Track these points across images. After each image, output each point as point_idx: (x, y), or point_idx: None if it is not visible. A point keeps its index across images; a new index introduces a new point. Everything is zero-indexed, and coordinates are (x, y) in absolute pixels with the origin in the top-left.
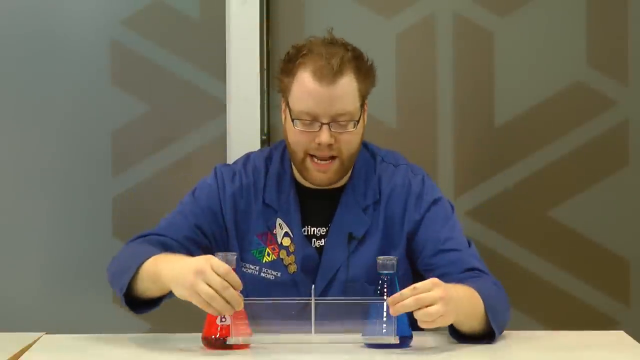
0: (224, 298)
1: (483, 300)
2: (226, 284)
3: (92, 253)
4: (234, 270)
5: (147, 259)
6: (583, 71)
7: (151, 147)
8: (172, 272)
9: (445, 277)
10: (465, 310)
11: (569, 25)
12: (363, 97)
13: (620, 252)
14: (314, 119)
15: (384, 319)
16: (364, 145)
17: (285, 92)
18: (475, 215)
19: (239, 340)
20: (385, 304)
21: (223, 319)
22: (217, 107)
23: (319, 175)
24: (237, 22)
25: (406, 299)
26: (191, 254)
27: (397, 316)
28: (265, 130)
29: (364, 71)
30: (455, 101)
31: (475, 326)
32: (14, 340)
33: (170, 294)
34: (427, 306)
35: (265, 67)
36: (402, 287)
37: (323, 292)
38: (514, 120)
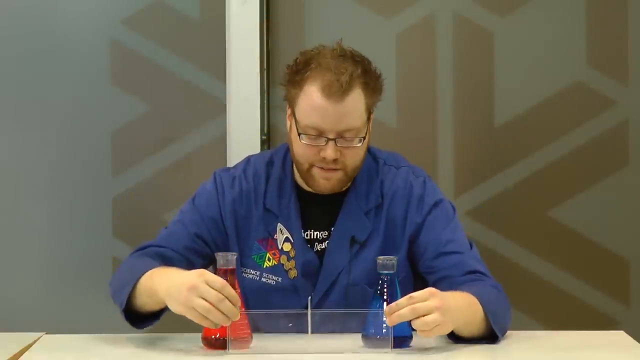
0: (220, 310)
1: (482, 306)
2: (221, 296)
3: (92, 253)
4: (234, 270)
5: (145, 273)
6: (583, 71)
7: (151, 147)
8: (167, 287)
9: (446, 280)
10: (464, 318)
11: (569, 25)
12: (370, 110)
13: (620, 252)
14: (320, 134)
15: (382, 327)
16: (367, 149)
17: (291, 102)
18: (475, 215)
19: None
20: (382, 311)
21: None
22: (217, 107)
23: (324, 182)
24: (237, 22)
25: (402, 308)
26: (192, 264)
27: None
28: (265, 130)
29: (372, 85)
30: (455, 101)
31: (474, 332)
32: (14, 340)
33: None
34: (424, 315)
35: (265, 67)
36: (402, 289)
37: (324, 296)
38: (514, 120)
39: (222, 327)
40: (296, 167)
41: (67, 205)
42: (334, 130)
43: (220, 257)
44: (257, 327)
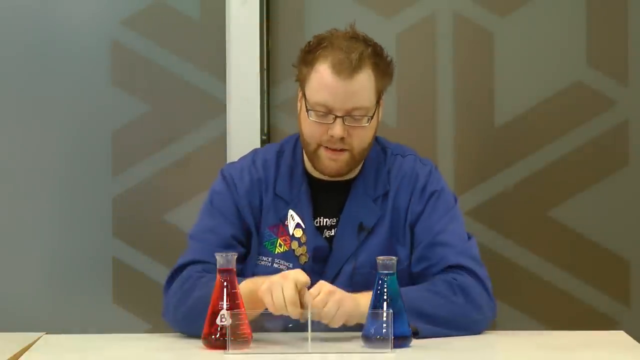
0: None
1: (404, 302)
2: (296, 299)
3: (92, 253)
4: (234, 270)
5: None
6: (583, 71)
7: (151, 147)
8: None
9: (426, 272)
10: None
11: (569, 25)
12: (379, 93)
13: (620, 252)
14: (328, 111)
15: (382, 327)
16: (376, 139)
17: (302, 81)
18: (475, 215)
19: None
20: (384, 312)
21: (223, 319)
22: (217, 107)
23: (330, 163)
24: (237, 22)
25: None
26: None
27: (396, 318)
28: (265, 130)
29: (383, 68)
30: (456, 101)
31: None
32: (14, 340)
33: None
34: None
35: (265, 67)
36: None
37: (331, 282)
38: (514, 120)
39: (222, 327)
40: (304, 148)
41: (67, 205)
42: (343, 108)
43: (220, 257)
44: (257, 327)
